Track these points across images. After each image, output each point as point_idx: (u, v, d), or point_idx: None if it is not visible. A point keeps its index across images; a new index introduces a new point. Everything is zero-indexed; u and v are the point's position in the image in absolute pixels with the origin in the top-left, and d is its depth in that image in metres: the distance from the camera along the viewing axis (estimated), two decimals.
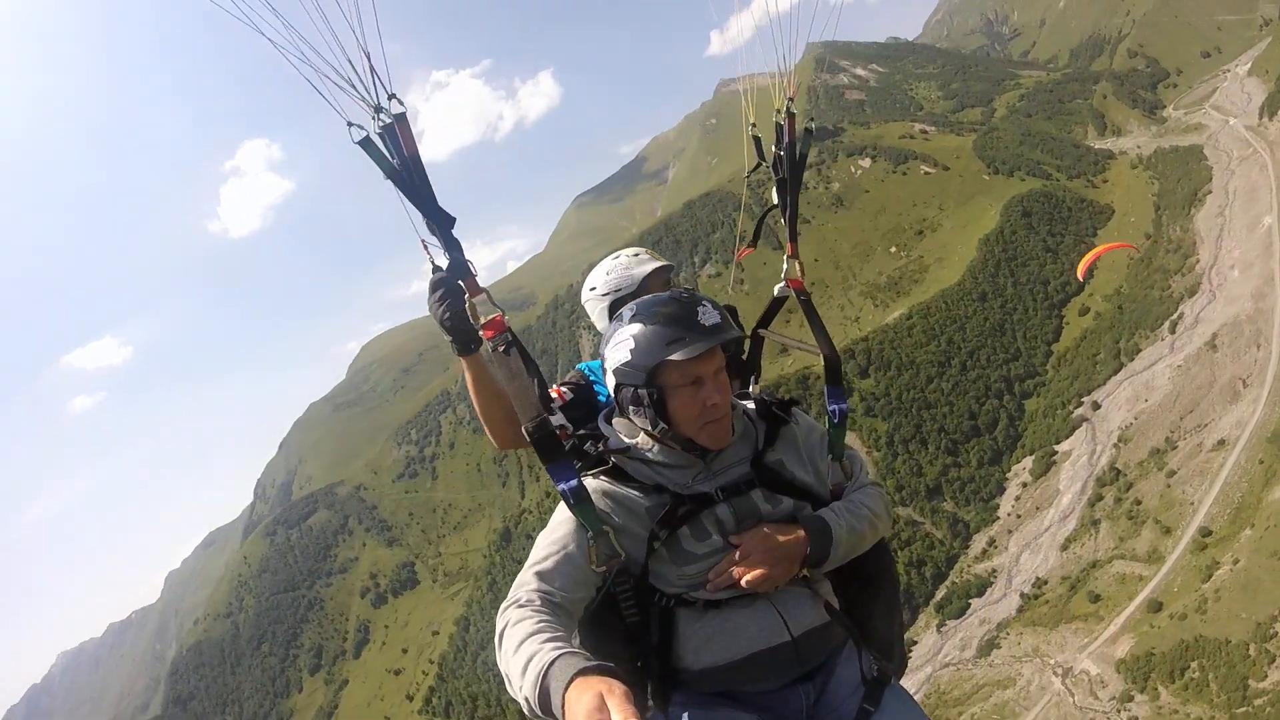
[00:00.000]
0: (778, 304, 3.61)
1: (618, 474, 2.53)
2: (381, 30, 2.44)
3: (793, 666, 2.52)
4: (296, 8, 2.36)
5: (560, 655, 1.85)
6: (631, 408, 2.53)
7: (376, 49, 2.45)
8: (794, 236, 3.55)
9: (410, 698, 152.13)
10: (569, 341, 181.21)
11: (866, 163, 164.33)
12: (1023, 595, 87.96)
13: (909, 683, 78.31)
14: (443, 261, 2.67)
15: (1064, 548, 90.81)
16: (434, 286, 2.69)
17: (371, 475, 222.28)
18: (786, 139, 3.46)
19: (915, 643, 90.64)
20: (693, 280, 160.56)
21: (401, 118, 2.51)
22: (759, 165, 3.61)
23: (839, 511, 2.63)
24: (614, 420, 2.72)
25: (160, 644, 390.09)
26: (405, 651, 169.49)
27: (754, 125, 3.57)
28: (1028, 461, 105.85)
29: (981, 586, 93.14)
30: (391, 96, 2.50)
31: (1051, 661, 76.11)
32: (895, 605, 2.94)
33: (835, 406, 2.93)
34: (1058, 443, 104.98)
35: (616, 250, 3.71)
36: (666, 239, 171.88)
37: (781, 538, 2.47)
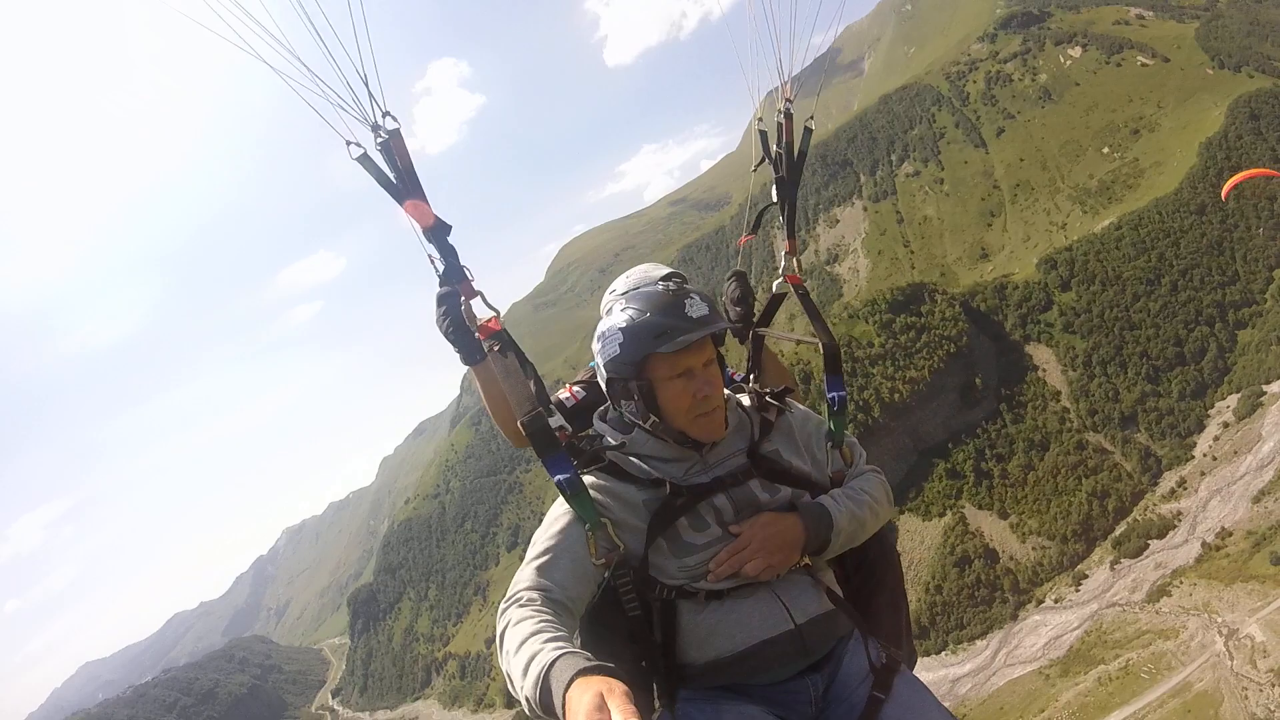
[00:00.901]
0: (776, 301, 3.63)
1: (614, 470, 2.56)
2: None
3: (798, 656, 2.48)
4: (297, 36, 2.46)
5: (561, 655, 1.82)
6: (623, 401, 2.58)
7: (372, 71, 2.53)
8: (792, 234, 3.61)
9: None
10: (764, 242, 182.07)
11: (1076, 52, 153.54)
12: (1204, 544, 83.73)
13: (1075, 616, 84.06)
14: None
15: (1256, 500, 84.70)
16: (439, 301, 2.81)
17: (570, 371, 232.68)
18: (785, 138, 3.51)
19: (1086, 576, 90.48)
20: (889, 180, 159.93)
21: (396, 134, 2.65)
22: (762, 161, 3.65)
23: (838, 498, 2.65)
24: (608, 417, 2.78)
25: (374, 521, 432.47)
26: None
27: (761, 120, 3.61)
28: (1232, 399, 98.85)
29: (1163, 528, 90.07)
30: (386, 114, 2.62)
31: (1219, 620, 72.85)
32: (900, 594, 2.94)
33: (835, 394, 2.98)
34: (1268, 382, 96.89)
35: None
36: (862, 136, 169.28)
37: (781, 525, 2.49)
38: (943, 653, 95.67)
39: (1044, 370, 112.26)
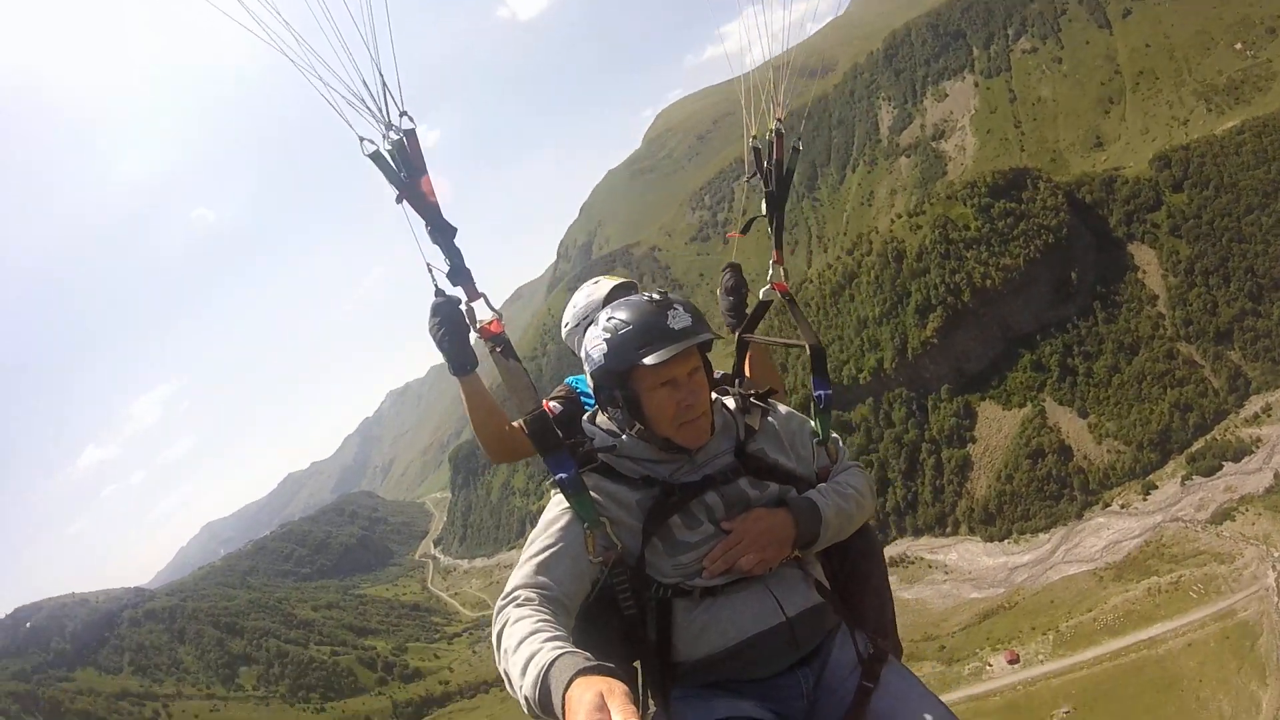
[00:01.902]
0: (763, 308, 3.64)
1: (607, 472, 2.59)
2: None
3: (789, 649, 2.53)
4: (315, 29, 2.45)
5: (560, 655, 1.83)
6: (609, 409, 2.65)
7: (390, 69, 2.55)
8: (779, 245, 3.70)
9: None
10: (867, 113, 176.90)
11: None
12: (1277, 475, 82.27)
13: (1138, 525, 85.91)
14: (444, 283, 2.82)
15: None
16: (434, 311, 2.83)
17: (665, 238, 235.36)
18: (775, 155, 3.64)
19: (1155, 487, 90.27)
20: (1003, 56, 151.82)
21: (411, 133, 2.66)
22: (754, 175, 3.76)
23: (825, 493, 2.70)
24: (597, 420, 2.82)
25: None
26: None
27: (755, 138, 3.69)
28: None
29: (1240, 452, 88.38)
30: (403, 114, 2.62)
31: (1276, 553, 72.02)
32: (885, 586, 2.99)
33: (820, 393, 3.04)
34: None
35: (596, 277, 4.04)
36: (977, 6, 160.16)
37: (772, 520, 2.54)
38: (1005, 540, 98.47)
39: (1143, 272, 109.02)
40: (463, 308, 2.83)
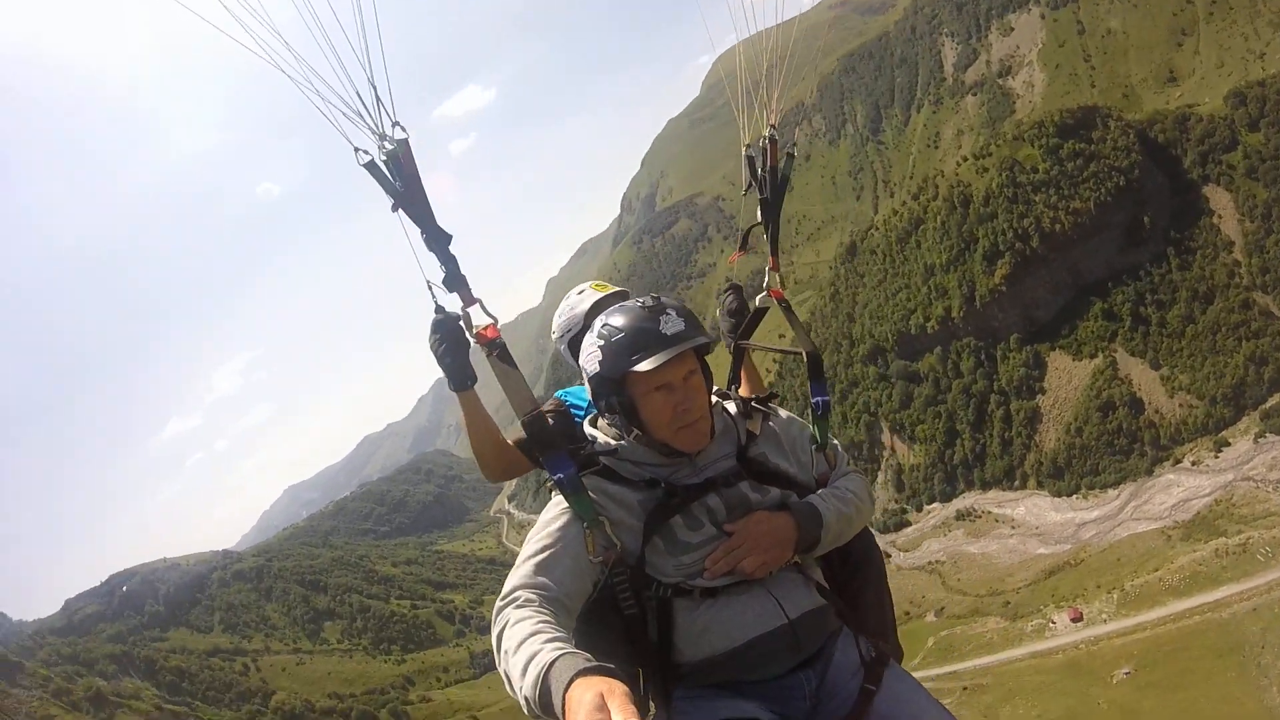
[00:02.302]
0: (759, 315, 3.67)
1: (608, 474, 2.61)
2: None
3: (791, 651, 2.54)
4: (309, 43, 2.47)
5: (561, 655, 1.82)
6: (608, 416, 2.65)
7: (382, 80, 2.58)
8: (775, 251, 3.71)
9: None
10: (930, 50, 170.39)
11: None
12: None
13: (1209, 483, 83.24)
14: (444, 298, 2.86)
15: None
16: (434, 327, 2.85)
17: (729, 187, 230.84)
18: (769, 163, 3.66)
19: (1228, 444, 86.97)
20: None
21: (404, 144, 2.70)
22: (750, 185, 3.77)
23: (825, 497, 2.73)
24: (599, 423, 2.82)
25: (542, 340, 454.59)
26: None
27: (748, 146, 3.72)
28: None
29: None
30: (395, 124, 2.67)
31: None
32: (885, 589, 3.03)
33: (818, 399, 3.06)
34: None
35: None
36: None
37: (774, 523, 2.56)
38: (1073, 496, 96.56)
39: (1219, 217, 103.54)
40: (459, 313, 2.89)
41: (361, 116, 2.61)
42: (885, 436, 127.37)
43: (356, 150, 2.67)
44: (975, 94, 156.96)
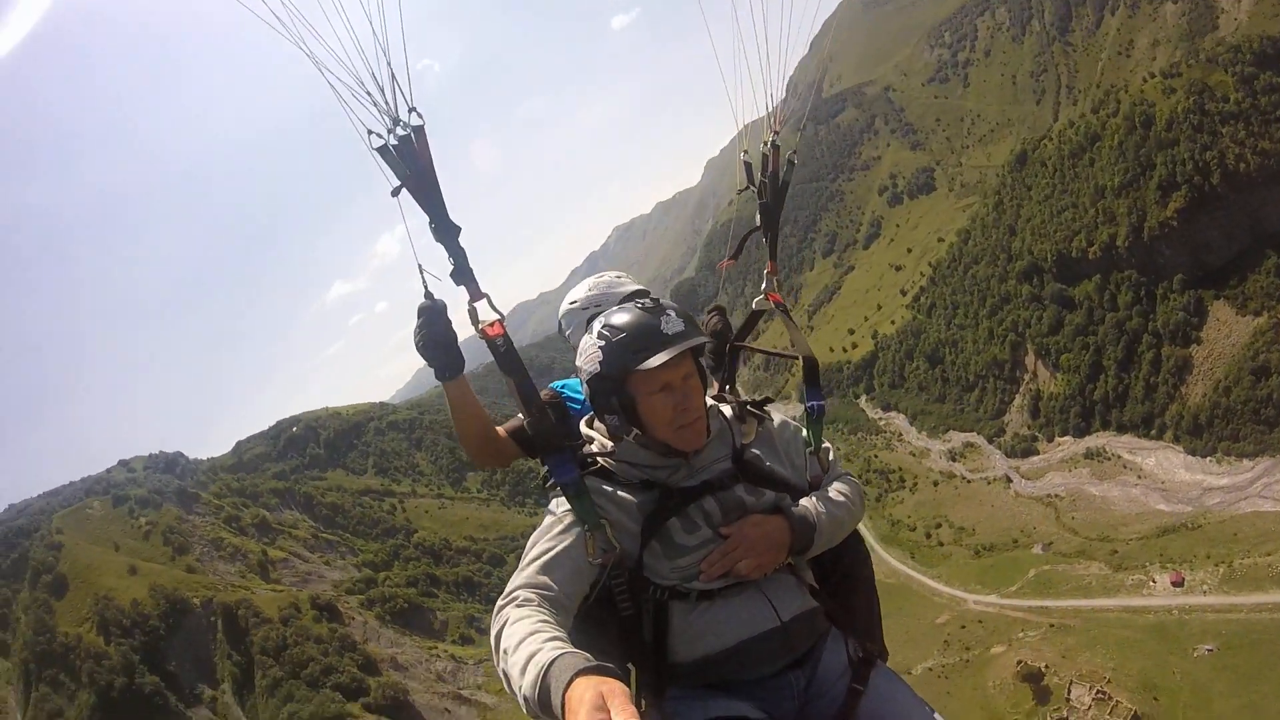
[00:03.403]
0: (755, 317, 3.67)
1: (605, 475, 2.62)
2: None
3: (783, 652, 2.57)
4: (325, 23, 2.41)
5: (560, 655, 1.82)
6: (606, 415, 2.63)
7: (400, 63, 2.52)
8: (774, 256, 3.72)
9: (904, 292, 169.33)
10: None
11: None
12: None
13: None
14: (434, 285, 2.79)
15: None
16: (419, 313, 2.81)
17: (900, 77, 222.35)
18: (770, 168, 3.65)
19: None
20: None
21: (419, 129, 2.64)
22: (747, 188, 3.77)
23: (818, 500, 2.74)
24: (595, 424, 2.82)
25: (697, 221, 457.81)
26: (909, 251, 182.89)
27: (745, 152, 3.70)
28: None
29: None
30: (412, 110, 2.61)
31: None
32: (873, 591, 3.03)
33: (813, 403, 3.07)
34: None
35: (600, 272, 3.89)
36: None
37: (768, 526, 2.57)
38: (1208, 458, 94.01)
39: None
40: (466, 309, 2.79)
41: (375, 100, 2.57)
42: (1029, 359, 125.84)
43: (370, 134, 2.61)
44: (1177, 1, 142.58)
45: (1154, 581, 77.10)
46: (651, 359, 2.44)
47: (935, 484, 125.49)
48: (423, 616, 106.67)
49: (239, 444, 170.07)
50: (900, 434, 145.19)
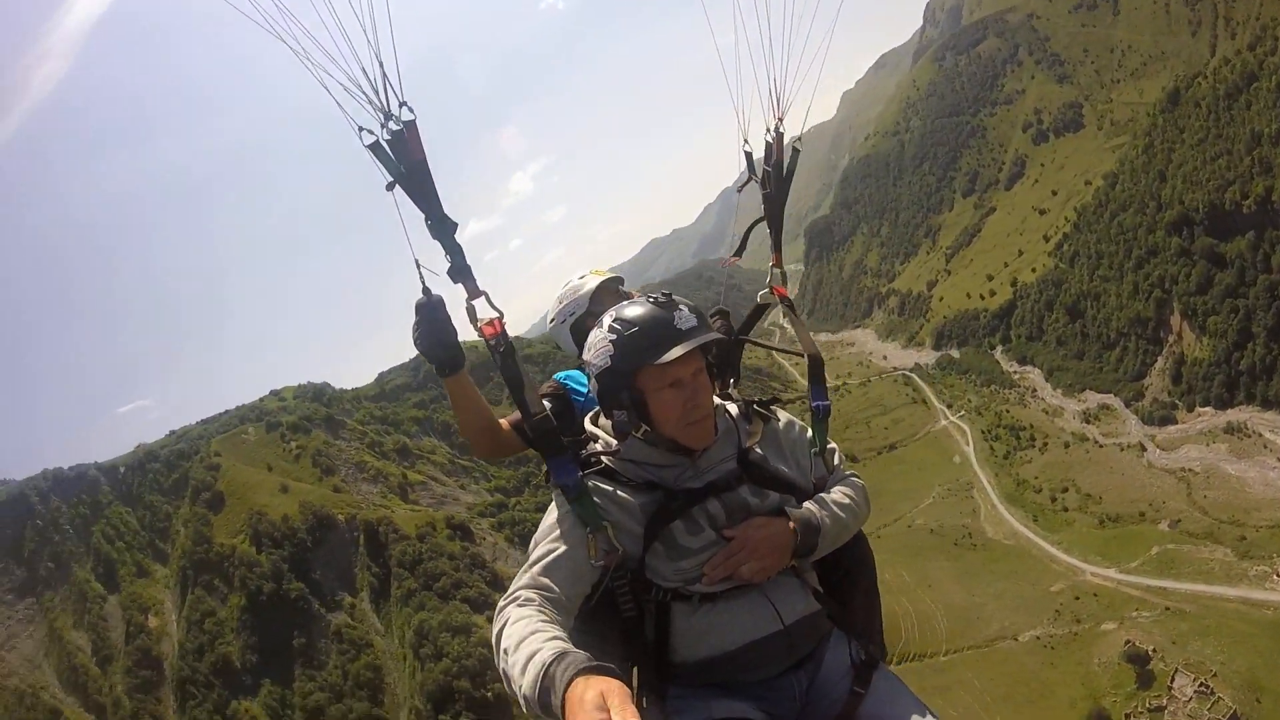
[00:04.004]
0: (760, 310, 3.72)
1: (609, 475, 2.60)
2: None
3: (785, 655, 2.56)
4: (314, 17, 2.39)
5: (560, 654, 1.82)
6: (615, 411, 2.59)
7: (389, 57, 2.49)
8: (778, 248, 3.67)
9: (1046, 238, 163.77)
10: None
11: None
12: None
13: None
14: (432, 281, 2.77)
15: None
16: (417, 310, 2.80)
17: (1045, 3, 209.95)
18: (774, 157, 3.57)
19: None
20: None
21: (411, 125, 2.60)
22: (749, 180, 3.70)
23: (823, 503, 2.72)
24: (600, 422, 2.80)
25: (834, 155, 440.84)
26: (1054, 194, 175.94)
27: (747, 141, 3.63)
28: None
29: None
30: (403, 104, 2.57)
31: None
32: (875, 593, 3.03)
33: (818, 403, 3.04)
34: None
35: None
36: None
37: (772, 529, 2.55)
38: None
39: None
40: (464, 306, 2.80)
41: (366, 95, 2.53)
42: (1174, 319, 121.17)
43: (361, 130, 2.59)
44: None
45: (1278, 575, 75.45)
46: (667, 353, 2.45)
47: (1066, 446, 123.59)
48: None
49: (381, 375, 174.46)
50: (1034, 390, 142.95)
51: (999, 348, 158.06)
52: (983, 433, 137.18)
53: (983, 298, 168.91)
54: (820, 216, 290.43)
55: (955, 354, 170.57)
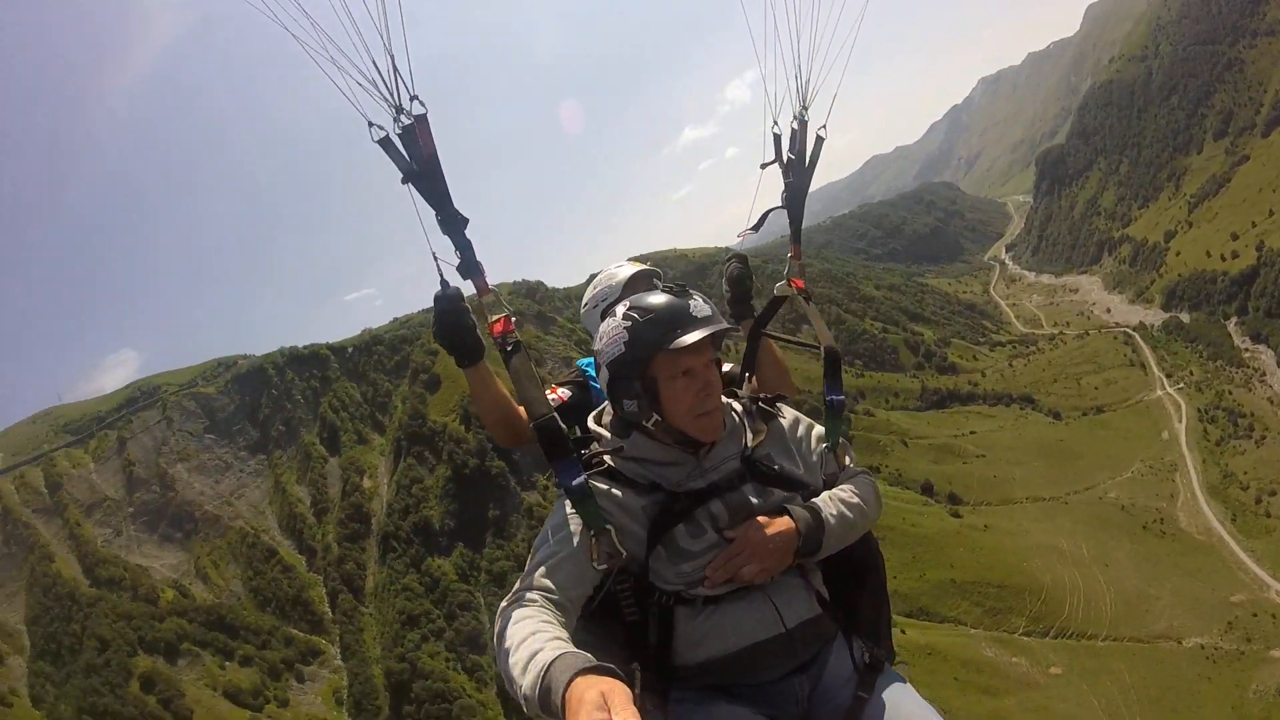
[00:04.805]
0: (777, 303, 3.66)
1: (612, 475, 2.58)
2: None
3: (788, 658, 2.53)
4: (325, 11, 2.36)
5: (561, 654, 1.82)
6: (625, 400, 2.57)
7: (400, 52, 2.47)
8: (797, 239, 3.65)
9: None
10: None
11: None
12: None
13: None
14: (451, 275, 2.79)
15: None
16: (437, 301, 2.82)
17: None
18: (799, 145, 3.51)
19: None
20: None
21: (422, 119, 2.60)
22: (772, 161, 3.59)
23: (830, 501, 2.68)
24: (604, 421, 2.79)
25: (1074, 77, 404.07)
26: None
27: (776, 124, 3.52)
28: None
29: None
30: (414, 98, 2.56)
31: None
32: (882, 594, 2.96)
33: (833, 398, 3.05)
34: None
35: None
36: None
37: (774, 529, 2.51)
38: None
39: None
40: (464, 308, 2.82)
41: (378, 89, 2.53)
42: None
43: (371, 125, 2.58)
44: None
45: None
46: (682, 337, 2.44)
47: None
48: None
49: (592, 275, 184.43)
50: (1264, 373, 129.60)
51: (1233, 319, 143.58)
52: (1199, 411, 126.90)
53: (1224, 259, 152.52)
54: (1054, 145, 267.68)
55: (1185, 318, 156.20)
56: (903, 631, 78.66)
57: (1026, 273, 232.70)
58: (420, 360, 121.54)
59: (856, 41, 3.13)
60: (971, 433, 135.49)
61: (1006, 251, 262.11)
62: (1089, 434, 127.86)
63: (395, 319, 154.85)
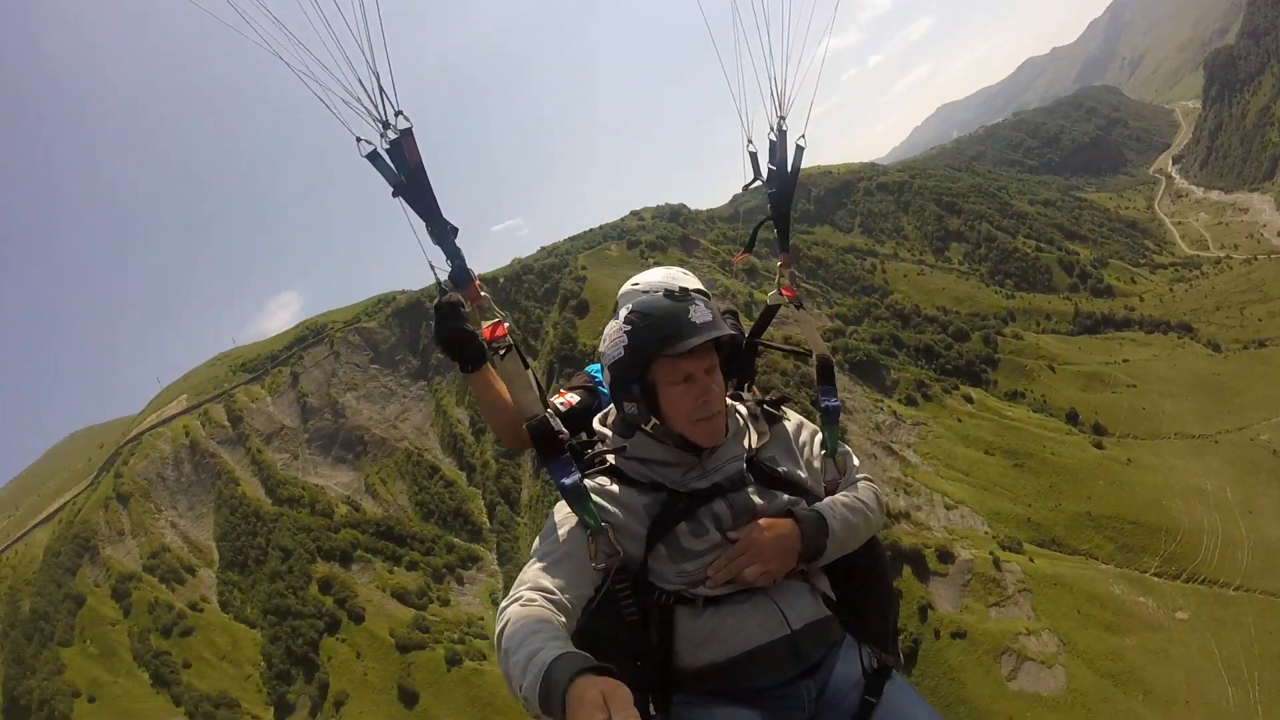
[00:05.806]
0: (770, 312, 3.65)
1: (614, 474, 2.60)
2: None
3: (792, 661, 2.50)
4: (308, 28, 2.37)
5: (561, 655, 1.82)
6: (626, 403, 2.60)
7: (384, 67, 2.48)
8: (785, 248, 3.61)
9: None
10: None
11: None
12: None
13: None
14: (451, 284, 2.79)
15: None
16: (437, 309, 2.87)
17: None
18: (779, 156, 3.46)
19: None
20: None
21: (407, 133, 2.57)
22: (754, 181, 3.57)
23: (833, 505, 2.68)
24: (608, 421, 2.82)
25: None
26: None
27: (751, 142, 3.47)
28: None
29: None
30: (399, 113, 2.54)
31: None
32: (889, 599, 2.95)
33: (828, 404, 3.05)
34: None
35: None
36: None
37: (777, 531, 2.51)
38: None
39: None
40: (459, 297, 2.84)
41: (363, 105, 2.51)
42: None
43: (359, 140, 2.54)
44: None
45: None
46: (679, 344, 2.46)
47: None
48: (877, 372, 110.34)
49: (735, 197, 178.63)
50: None
51: None
52: None
53: None
54: (1224, 46, 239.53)
55: None
56: (1031, 560, 78.37)
57: (1194, 188, 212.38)
58: (569, 287, 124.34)
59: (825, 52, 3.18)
60: (1124, 361, 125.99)
61: (1174, 164, 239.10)
62: (1248, 369, 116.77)
63: (542, 248, 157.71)
